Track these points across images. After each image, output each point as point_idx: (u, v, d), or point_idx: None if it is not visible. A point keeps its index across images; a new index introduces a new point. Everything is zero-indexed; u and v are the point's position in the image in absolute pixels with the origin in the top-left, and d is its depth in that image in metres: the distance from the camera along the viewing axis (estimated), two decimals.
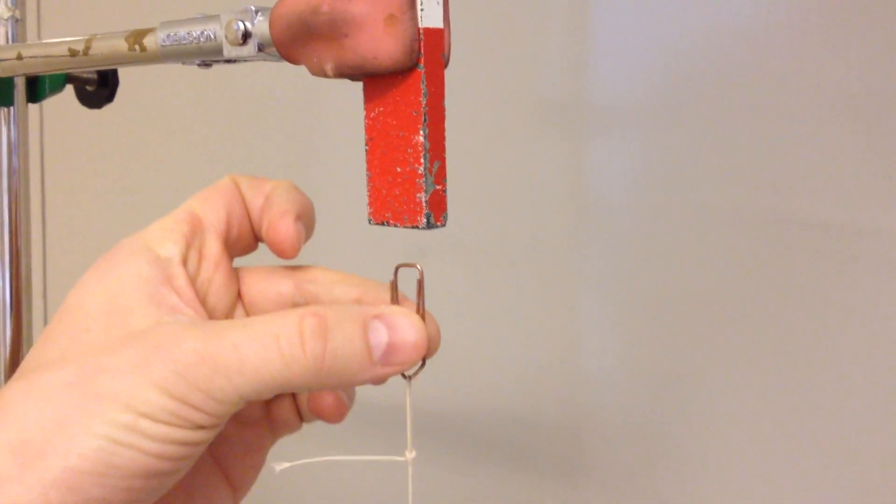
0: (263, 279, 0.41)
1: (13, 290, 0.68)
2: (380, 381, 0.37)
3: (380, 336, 0.35)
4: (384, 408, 0.94)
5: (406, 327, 0.35)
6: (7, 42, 0.66)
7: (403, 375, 0.39)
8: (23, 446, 0.32)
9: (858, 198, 0.76)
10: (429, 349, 0.37)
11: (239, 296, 0.41)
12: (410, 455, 0.40)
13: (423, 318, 0.37)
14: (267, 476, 0.43)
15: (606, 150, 0.86)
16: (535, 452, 0.91)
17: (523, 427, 0.91)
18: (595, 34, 0.85)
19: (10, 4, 0.66)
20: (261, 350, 0.33)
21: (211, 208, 0.39)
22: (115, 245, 0.38)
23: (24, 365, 0.36)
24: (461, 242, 0.91)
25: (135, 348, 0.33)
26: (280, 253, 0.40)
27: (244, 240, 0.41)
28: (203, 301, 0.38)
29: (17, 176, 0.67)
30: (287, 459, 0.42)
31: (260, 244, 0.42)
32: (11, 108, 0.66)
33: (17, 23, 0.67)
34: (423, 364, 0.39)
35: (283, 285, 0.41)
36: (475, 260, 0.92)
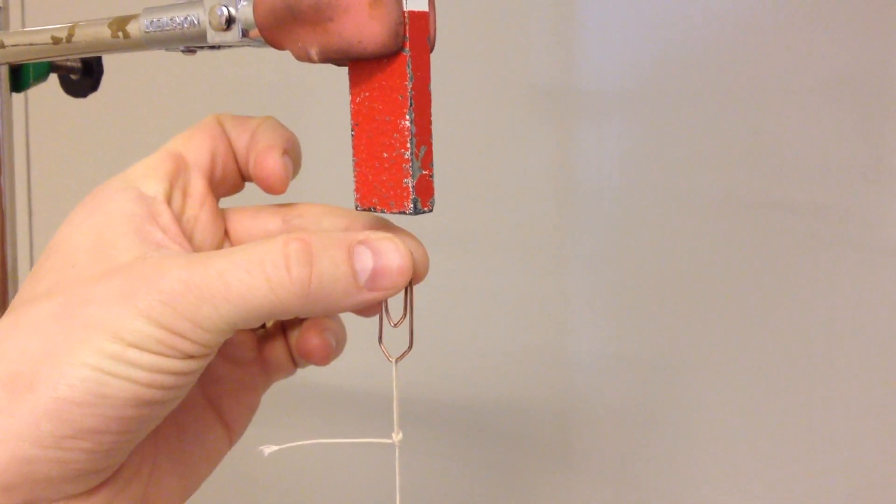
0: (250, 217, 0.42)
1: None
2: (366, 307, 0.37)
3: (365, 261, 0.35)
4: (373, 397, 0.94)
5: (391, 252, 0.35)
6: None
7: (390, 358, 0.39)
8: (12, 378, 0.32)
9: (847, 181, 0.76)
10: (416, 275, 0.37)
11: (226, 235, 0.41)
12: (397, 437, 0.40)
13: (409, 299, 0.37)
14: (255, 459, 0.43)
15: (595, 136, 0.85)
16: (523, 438, 0.91)
17: (511, 413, 0.91)
18: (583, 19, 0.85)
19: None
20: (246, 276, 0.33)
21: (194, 147, 0.39)
22: (99, 185, 0.38)
23: (13, 302, 0.36)
24: (449, 229, 0.91)
25: (121, 279, 0.33)
26: (268, 188, 0.40)
27: (230, 178, 0.41)
28: (189, 239, 0.38)
29: (2, 166, 0.67)
30: (276, 443, 0.42)
31: (248, 185, 0.42)
32: None
33: (1, 11, 0.66)
34: (411, 347, 0.39)
35: (271, 222, 0.41)
36: (463, 246, 0.91)
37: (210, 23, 0.37)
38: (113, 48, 0.44)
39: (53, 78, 0.71)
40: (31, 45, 0.49)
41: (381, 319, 0.40)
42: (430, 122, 0.35)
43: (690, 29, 0.80)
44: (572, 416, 0.89)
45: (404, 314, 0.38)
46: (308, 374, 0.96)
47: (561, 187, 0.87)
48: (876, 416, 0.76)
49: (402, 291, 0.37)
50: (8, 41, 0.50)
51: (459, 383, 0.93)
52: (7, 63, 0.64)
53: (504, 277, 0.90)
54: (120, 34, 0.42)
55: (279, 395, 0.97)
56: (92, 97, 0.72)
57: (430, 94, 0.35)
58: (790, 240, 0.78)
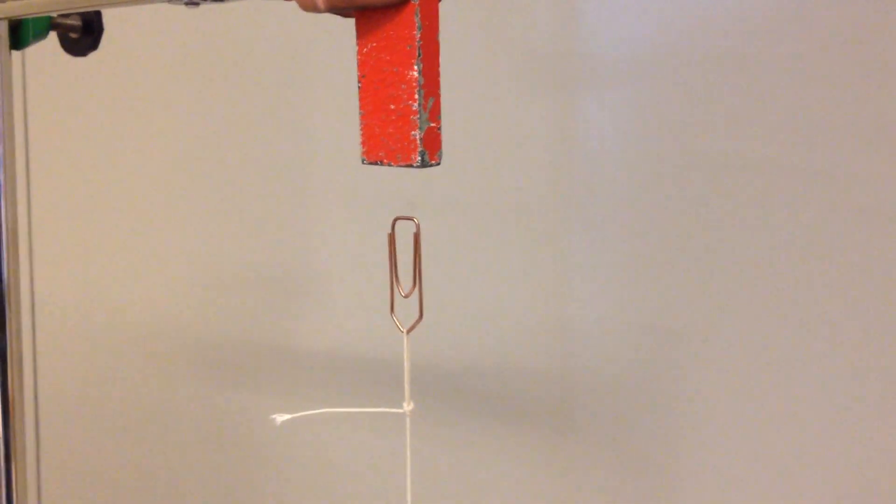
0: None
1: None
2: None
3: None
4: (381, 364, 0.94)
5: None
6: None
7: (401, 328, 0.39)
8: None
9: (846, 144, 0.75)
10: None
11: None
12: (408, 407, 0.41)
13: (418, 269, 0.37)
14: (268, 429, 0.43)
15: (597, 102, 0.85)
16: (526, 403, 0.91)
17: (513, 378, 0.91)
18: None
19: None
20: None
21: None
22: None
23: None
24: (451, 195, 0.91)
25: None
26: None
27: None
28: None
29: (1, 122, 0.66)
30: (288, 412, 0.41)
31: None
32: None
33: None
34: (421, 317, 0.39)
35: None
36: (466, 213, 0.91)
37: None
38: (115, 0, 0.43)
39: (53, 38, 0.69)
40: None
41: (391, 290, 0.40)
42: (438, 74, 0.35)
43: None
44: (573, 380, 0.89)
45: (414, 284, 0.38)
46: (320, 345, 0.96)
47: (563, 153, 0.87)
48: (874, 378, 0.76)
49: (412, 262, 0.37)
50: None
51: (461, 349, 0.93)
52: (7, 18, 0.63)
53: (506, 244, 0.90)
54: None
55: (291, 365, 0.97)
56: (92, 56, 0.71)
57: (438, 45, 0.34)
58: (792, 203, 0.77)
